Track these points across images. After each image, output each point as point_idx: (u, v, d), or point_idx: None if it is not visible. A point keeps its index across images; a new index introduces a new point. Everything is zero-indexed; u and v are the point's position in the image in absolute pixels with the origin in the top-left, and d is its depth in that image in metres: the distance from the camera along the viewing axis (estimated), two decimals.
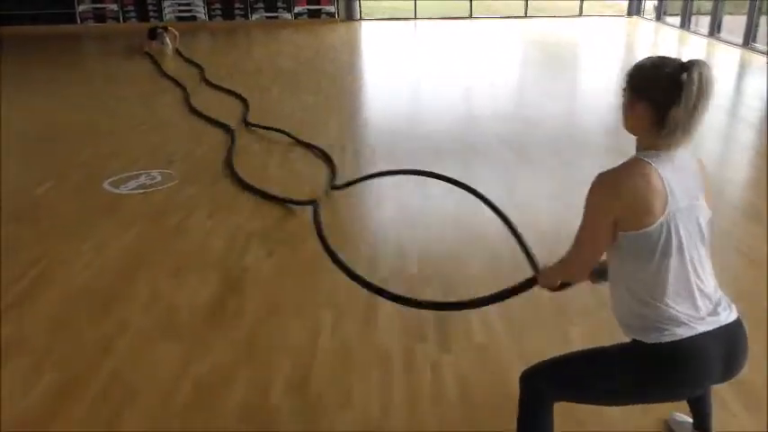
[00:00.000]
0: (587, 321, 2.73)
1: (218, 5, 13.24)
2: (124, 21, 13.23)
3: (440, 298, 2.94)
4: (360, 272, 2.81)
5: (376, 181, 4.35)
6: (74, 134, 5.73)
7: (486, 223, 3.62)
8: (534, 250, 2.87)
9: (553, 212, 3.90)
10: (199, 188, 4.41)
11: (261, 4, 13.25)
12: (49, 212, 4.05)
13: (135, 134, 5.71)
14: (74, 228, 3.80)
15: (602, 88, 7.59)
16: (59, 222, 3.89)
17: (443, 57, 9.94)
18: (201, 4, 13.24)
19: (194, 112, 6.31)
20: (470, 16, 13.83)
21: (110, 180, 4.55)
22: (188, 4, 13.24)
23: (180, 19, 13.14)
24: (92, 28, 13.16)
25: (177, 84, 7.39)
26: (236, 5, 13.24)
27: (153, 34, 9.87)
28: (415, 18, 13.84)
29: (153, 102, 6.91)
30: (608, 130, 5.76)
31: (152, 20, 12.95)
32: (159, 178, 4.58)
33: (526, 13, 13.92)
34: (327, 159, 4.79)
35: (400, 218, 3.91)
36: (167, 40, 9.82)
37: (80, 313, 2.91)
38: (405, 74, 8.49)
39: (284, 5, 13.27)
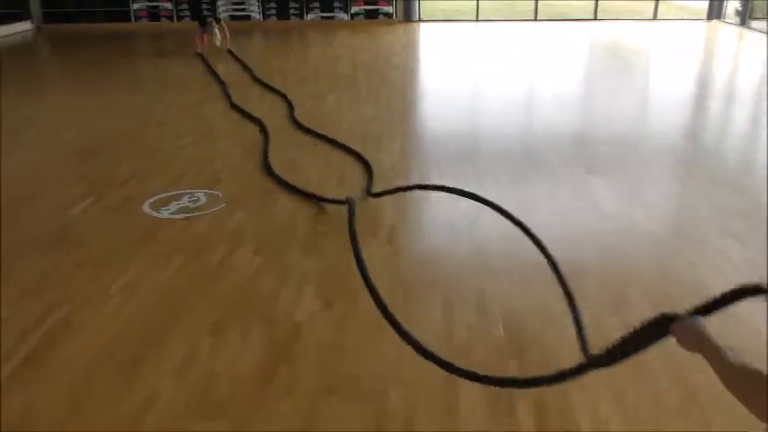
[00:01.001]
0: (731, 412, 2.11)
1: (273, 4, 12.87)
2: (178, 20, 12.98)
3: (533, 368, 2.38)
4: (430, 333, 2.26)
5: (445, 215, 3.81)
6: (117, 145, 5.35)
7: (586, 270, 3.02)
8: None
9: (619, 234, 3.27)
10: (247, 213, 3.93)
11: (317, 4, 12.82)
12: (81, 239, 3.62)
13: (180, 146, 5.28)
14: (105, 261, 3.36)
15: (676, 99, 6.93)
16: (91, 253, 3.45)
17: (508, 62, 9.31)
18: (256, 3, 12.89)
19: (234, 107, 5.90)
20: (535, 18, 13.11)
21: (150, 200, 4.11)
22: (242, 3, 12.91)
23: (234, 18, 12.83)
24: (146, 26, 12.97)
25: (227, 94, 6.91)
26: (292, 5, 12.84)
27: (203, 21, 9.53)
28: (477, 20, 13.19)
29: (202, 109, 6.49)
30: (678, 146, 5.23)
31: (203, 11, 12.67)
32: (204, 200, 4.11)
33: (596, 16, 13.12)
34: (374, 176, 4.27)
35: (477, 261, 3.34)
36: (217, 31, 9.42)
37: (102, 379, 2.44)
38: (469, 82, 7.91)
39: (341, 5, 12.81)
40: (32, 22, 12.98)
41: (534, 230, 3.29)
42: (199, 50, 9.48)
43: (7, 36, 12.10)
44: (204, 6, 12.57)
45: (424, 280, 3.14)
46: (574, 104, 6.84)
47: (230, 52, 9.45)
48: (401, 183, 4.25)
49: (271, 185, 4.35)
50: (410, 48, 10.67)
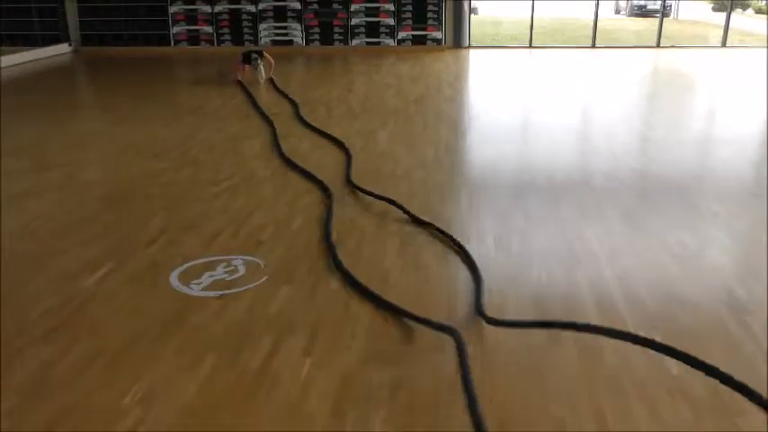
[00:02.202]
0: None
1: (316, 29, 12.33)
2: (218, 44, 12.53)
3: None
4: None
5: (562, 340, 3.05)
6: (147, 191, 4.73)
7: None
8: None
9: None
10: (294, 290, 3.23)
11: (362, 29, 12.24)
12: (92, 323, 2.96)
13: (217, 193, 4.64)
14: (120, 356, 2.69)
15: (745, 134, 6.23)
16: (103, 344, 2.78)
17: (573, 93, 8.54)
18: (299, 27, 12.37)
19: (288, 162, 5.22)
20: (593, 45, 12.32)
21: (179, 270, 3.44)
22: (284, 28, 12.40)
23: (275, 43, 12.34)
24: (185, 50, 12.55)
25: (272, 127, 6.27)
26: (336, 30, 12.29)
27: (247, 59, 8.94)
28: (530, 46, 12.45)
29: (241, 147, 5.86)
30: (744, 184, 4.71)
31: (247, 43, 12.22)
32: (242, 271, 3.43)
33: (659, 43, 12.28)
34: (467, 259, 3.50)
35: None
36: (261, 67, 8.87)
37: None
38: (534, 118, 7.17)
39: (387, 31, 12.21)
40: (70, 44, 12.67)
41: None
42: (238, 78, 8.93)
43: (44, 59, 11.78)
44: (246, 32, 12.14)
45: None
46: (630, 136, 6.03)
47: (272, 81, 8.89)
48: (476, 253, 3.51)
49: (321, 250, 3.66)
50: (463, 77, 9.97)
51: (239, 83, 8.77)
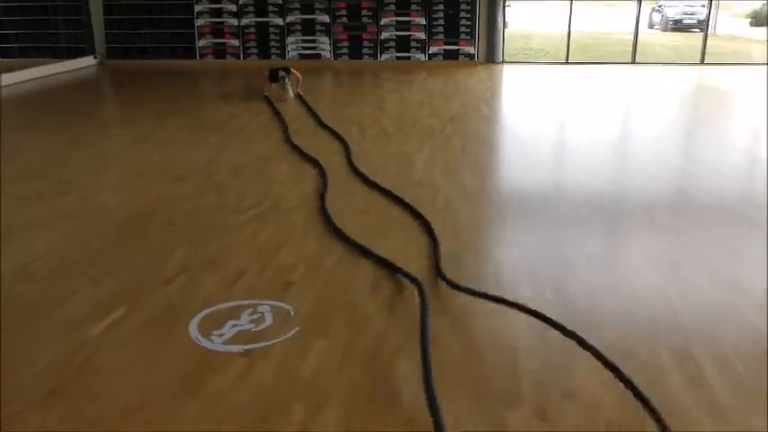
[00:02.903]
0: None
1: (345, 43, 12.00)
2: (244, 57, 12.25)
3: None
4: None
5: None
6: (167, 219, 4.36)
7: None
8: None
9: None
10: (329, 346, 2.81)
11: (392, 44, 11.88)
12: (96, 382, 2.57)
13: (242, 223, 4.25)
14: (125, 428, 2.29)
15: None
16: (106, 409, 2.38)
17: (616, 112, 8.07)
18: (327, 41, 12.04)
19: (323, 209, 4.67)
20: (633, 61, 11.82)
21: (199, 316, 3.04)
22: (312, 41, 12.09)
23: (303, 56, 12.02)
24: (211, 64, 12.30)
25: (310, 159, 5.77)
26: (365, 44, 11.94)
27: (274, 76, 8.60)
28: (567, 62, 11.98)
29: (268, 170, 5.48)
30: None
31: (273, 57, 11.93)
32: (269, 320, 3.02)
33: (703, 59, 11.73)
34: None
35: None
36: (289, 85, 8.53)
37: None
38: (584, 140, 6.71)
39: (418, 45, 11.83)
40: (95, 57, 12.48)
41: None
42: (265, 93, 8.60)
43: (68, 72, 11.59)
44: (273, 45, 11.86)
45: None
46: (674, 161, 5.54)
47: (299, 97, 8.54)
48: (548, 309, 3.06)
49: (362, 297, 3.24)
50: (500, 95, 9.55)
51: (266, 98, 8.44)
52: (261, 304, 3.15)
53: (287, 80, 8.53)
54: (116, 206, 4.62)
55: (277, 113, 7.50)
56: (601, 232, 4.11)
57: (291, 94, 8.53)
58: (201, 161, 5.73)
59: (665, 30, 21.16)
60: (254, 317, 3.04)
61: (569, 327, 2.78)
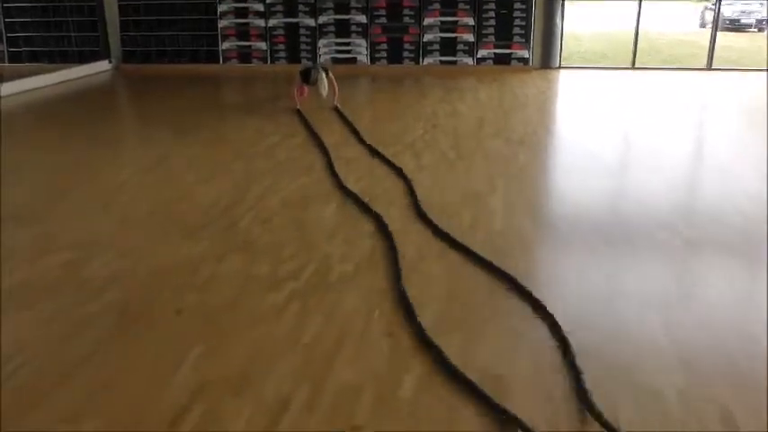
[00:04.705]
0: None
1: (383, 46, 10.82)
2: (272, 62, 11.14)
3: None
4: None
5: None
6: (174, 307, 3.21)
7: None
8: None
9: None
10: None
11: (436, 47, 10.68)
12: None
13: (278, 307, 3.09)
14: None
15: None
16: None
17: (714, 131, 6.79)
18: (364, 44, 10.88)
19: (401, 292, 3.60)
20: (709, 67, 10.48)
21: None
22: (347, 44, 10.94)
23: (336, 61, 10.87)
24: (235, 68, 11.21)
25: (364, 206, 4.54)
26: (406, 47, 10.76)
27: (306, 76, 7.39)
28: (633, 67, 10.68)
29: (307, 217, 4.32)
30: None
31: (303, 61, 10.76)
32: None
33: None
34: None
35: None
36: (323, 85, 7.27)
37: None
38: (664, 160, 5.47)
39: (465, 48, 10.61)
40: (110, 61, 11.46)
41: None
42: (297, 107, 7.46)
43: (82, 77, 10.58)
44: (303, 48, 10.75)
45: None
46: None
47: (337, 110, 7.40)
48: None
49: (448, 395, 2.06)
50: (568, 108, 8.29)
51: (298, 112, 7.31)
52: None
53: (323, 78, 7.26)
54: (109, 278, 3.46)
55: (314, 135, 6.34)
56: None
57: (326, 88, 7.28)
58: (223, 201, 4.58)
59: (720, 29, 19.64)
60: None
61: None
